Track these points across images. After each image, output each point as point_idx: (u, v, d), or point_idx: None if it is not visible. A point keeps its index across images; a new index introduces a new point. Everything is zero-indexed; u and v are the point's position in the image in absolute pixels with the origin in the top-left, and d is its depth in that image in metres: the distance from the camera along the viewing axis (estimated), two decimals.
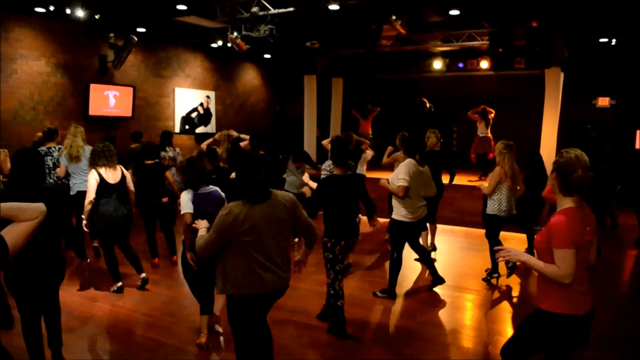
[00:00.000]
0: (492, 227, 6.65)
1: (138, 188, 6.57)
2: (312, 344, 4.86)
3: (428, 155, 7.19)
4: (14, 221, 2.18)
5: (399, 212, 5.95)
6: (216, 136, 8.23)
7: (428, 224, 7.69)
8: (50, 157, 7.49)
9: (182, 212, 4.51)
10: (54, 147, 7.66)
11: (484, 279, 6.83)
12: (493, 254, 6.65)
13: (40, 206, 2.26)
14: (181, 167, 4.82)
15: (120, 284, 6.18)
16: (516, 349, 3.23)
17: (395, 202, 6.00)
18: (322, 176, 5.94)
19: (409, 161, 6.02)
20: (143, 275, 6.31)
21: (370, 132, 13.20)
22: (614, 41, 10.99)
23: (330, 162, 5.47)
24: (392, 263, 6.05)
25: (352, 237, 4.98)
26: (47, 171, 7.10)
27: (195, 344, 4.73)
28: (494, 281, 6.78)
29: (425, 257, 6.48)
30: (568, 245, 2.88)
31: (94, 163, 5.93)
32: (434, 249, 8.14)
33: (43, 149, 7.51)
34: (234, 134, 8.54)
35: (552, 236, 2.93)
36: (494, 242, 6.63)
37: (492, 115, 11.79)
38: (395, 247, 6.03)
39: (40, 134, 8.34)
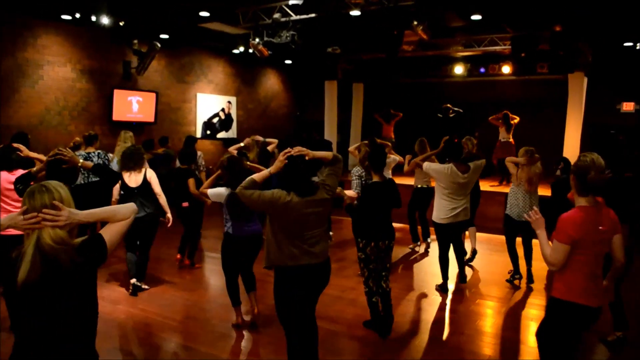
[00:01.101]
0: (508, 228, 6.90)
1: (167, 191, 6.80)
2: (332, 348, 4.87)
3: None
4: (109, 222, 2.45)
5: (434, 214, 6.43)
6: (244, 142, 8.32)
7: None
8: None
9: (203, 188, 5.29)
10: (93, 152, 7.82)
11: (507, 280, 6.96)
12: (512, 256, 6.88)
13: (131, 206, 2.53)
14: (222, 167, 5.17)
15: (145, 286, 6.32)
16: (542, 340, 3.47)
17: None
18: (352, 181, 6.01)
19: (449, 165, 6.27)
20: (133, 281, 6.24)
21: (393, 136, 13.23)
22: (638, 45, 10.84)
23: (359, 167, 5.68)
24: (439, 260, 6.56)
25: (383, 240, 5.08)
26: (86, 175, 7.20)
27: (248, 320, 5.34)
28: (516, 282, 6.88)
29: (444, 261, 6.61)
30: (564, 240, 3.15)
31: (123, 166, 6.07)
32: (474, 253, 8.08)
33: (82, 153, 7.62)
34: (260, 138, 8.62)
35: (557, 228, 3.21)
36: (511, 245, 6.90)
37: (516, 121, 11.72)
38: (439, 245, 6.59)
39: (78, 138, 8.53)
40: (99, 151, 7.93)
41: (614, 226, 3.25)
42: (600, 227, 3.19)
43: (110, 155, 8.08)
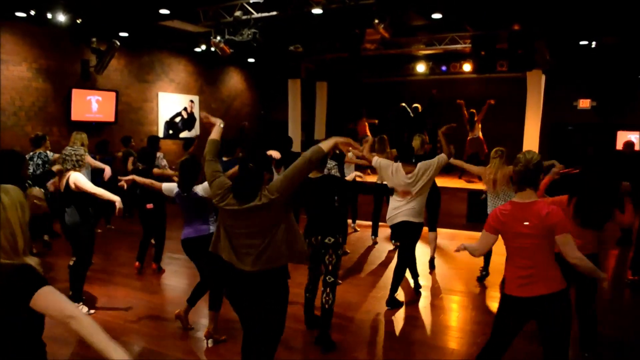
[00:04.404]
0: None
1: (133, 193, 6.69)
2: (295, 346, 4.85)
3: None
4: None
5: None
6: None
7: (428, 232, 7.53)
8: (31, 163, 7.40)
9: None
10: (36, 154, 7.60)
11: (477, 278, 6.99)
12: (485, 256, 6.86)
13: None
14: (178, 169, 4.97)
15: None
16: None
17: None
18: None
19: (397, 164, 5.99)
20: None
21: (369, 133, 13.38)
22: (594, 44, 11.13)
23: None
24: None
25: (316, 236, 4.84)
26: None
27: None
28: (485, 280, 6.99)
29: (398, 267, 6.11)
30: (485, 228, 3.51)
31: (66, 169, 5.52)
32: (432, 262, 7.51)
33: (29, 154, 7.44)
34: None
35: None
36: None
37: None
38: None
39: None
40: (40, 151, 7.68)
41: (542, 224, 3.23)
42: (526, 223, 3.28)
43: (51, 153, 7.81)
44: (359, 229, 9.99)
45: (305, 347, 4.89)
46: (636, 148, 9.81)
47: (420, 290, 6.40)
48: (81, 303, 5.65)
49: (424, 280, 6.90)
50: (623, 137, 12.97)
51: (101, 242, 8.26)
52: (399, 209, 5.80)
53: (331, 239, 4.81)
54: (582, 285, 4.33)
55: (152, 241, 7.37)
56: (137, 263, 7.24)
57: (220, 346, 4.89)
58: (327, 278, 4.82)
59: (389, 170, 5.87)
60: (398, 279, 5.88)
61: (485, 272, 6.95)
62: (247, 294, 3.34)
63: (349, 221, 10.01)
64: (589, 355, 4.48)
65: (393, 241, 8.77)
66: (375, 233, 9.06)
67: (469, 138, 12.31)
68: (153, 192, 6.84)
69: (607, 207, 4.27)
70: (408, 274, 6.26)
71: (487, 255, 6.91)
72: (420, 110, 13.13)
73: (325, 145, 3.35)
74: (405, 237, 5.91)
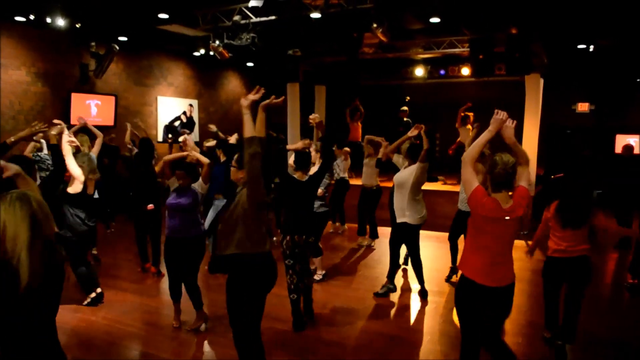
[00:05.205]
0: (455, 220, 6.98)
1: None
2: (287, 348, 4.85)
3: None
4: None
5: (410, 217, 6.26)
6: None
7: None
8: (42, 164, 7.44)
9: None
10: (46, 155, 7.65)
11: (446, 280, 7.08)
12: (453, 251, 7.04)
13: None
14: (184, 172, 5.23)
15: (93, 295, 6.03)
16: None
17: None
18: None
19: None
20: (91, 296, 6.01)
21: (361, 139, 13.32)
22: (591, 47, 11.16)
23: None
24: (415, 264, 6.44)
25: (300, 234, 5.19)
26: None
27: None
28: (454, 278, 7.02)
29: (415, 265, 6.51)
30: (475, 186, 3.43)
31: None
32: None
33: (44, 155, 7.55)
34: (213, 128, 8.50)
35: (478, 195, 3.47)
36: (453, 239, 7.05)
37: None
38: (414, 249, 6.41)
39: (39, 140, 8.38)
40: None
41: (514, 215, 3.40)
42: (507, 218, 3.39)
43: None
44: (346, 229, 10.13)
45: (298, 348, 4.89)
46: (635, 151, 9.80)
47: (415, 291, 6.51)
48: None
49: (414, 282, 6.93)
50: (622, 140, 13.00)
51: (100, 245, 8.27)
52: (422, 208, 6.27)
53: (312, 238, 5.37)
54: (576, 280, 4.46)
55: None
56: (148, 264, 7.39)
57: (217, 348, 4.91)
58: (287, 261, 5.26)
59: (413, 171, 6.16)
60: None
61: (454, 273, 7.04)
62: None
63: (338, 224, 10.09)
64: (561, 344, 4.56)
65: (372, 244, 9.09)
66: (375, 235, 9.07)
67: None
68: (152, 193, 6.93)
69: (585, 207, 4.41)
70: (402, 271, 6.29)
71: (455, 255, 7.05)
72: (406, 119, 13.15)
73: (246, 129, 3.80)
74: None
